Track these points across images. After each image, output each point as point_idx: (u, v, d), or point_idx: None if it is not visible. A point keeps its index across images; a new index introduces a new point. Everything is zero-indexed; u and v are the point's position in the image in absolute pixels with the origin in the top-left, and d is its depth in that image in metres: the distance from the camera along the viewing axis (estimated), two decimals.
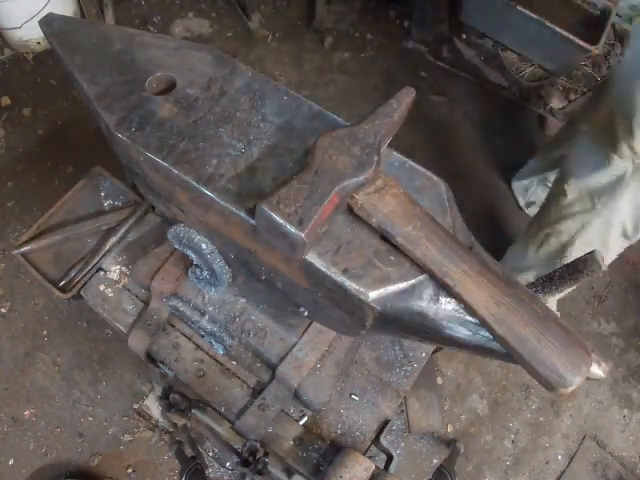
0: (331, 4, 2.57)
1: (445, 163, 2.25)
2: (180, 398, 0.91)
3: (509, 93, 2.45)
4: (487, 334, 0.59)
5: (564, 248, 1.64)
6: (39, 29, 0.76)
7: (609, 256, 1.62)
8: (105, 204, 1.10)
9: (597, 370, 0.58)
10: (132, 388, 1.86)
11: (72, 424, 1.81)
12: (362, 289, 0.59)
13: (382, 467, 0.88)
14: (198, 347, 0.97)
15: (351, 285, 0.59)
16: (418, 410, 1.88)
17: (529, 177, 2.14)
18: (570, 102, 2.44)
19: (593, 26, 2.31)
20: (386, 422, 0.95)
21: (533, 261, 1.75)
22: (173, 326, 0.98)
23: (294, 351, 0.88)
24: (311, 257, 0.61)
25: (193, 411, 0.94)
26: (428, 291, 0.59)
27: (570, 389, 0.55)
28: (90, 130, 2.20)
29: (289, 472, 1.06)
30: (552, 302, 1.86)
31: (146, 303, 1.01)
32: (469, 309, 0.58)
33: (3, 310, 1.94)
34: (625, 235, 1.57)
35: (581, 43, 2.19)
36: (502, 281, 0.58)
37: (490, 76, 2.49)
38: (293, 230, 0.56)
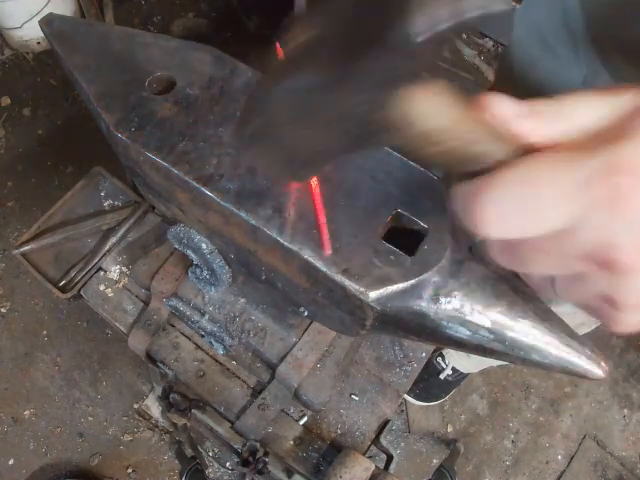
0: None
1: None
2: (180, 398, 0.91)
3: None
4: (487, 334, 0.59)
5: None
6: (39, 29, 0.76)
7: None
8: (105, 204, 1.10)
9: (597, 370, 0.58)
10: (132, 388, 1.86)
11: (72, 424, 1.81)
12: (362, 289, 0.59)
13: (382, 467, 0.88)
14: (198, 347, 0.97)
15: (351, 285, 0.59)
16: (418, 410, 1.88)
17: None
18: None
19: None
20: (386, 422, 0.95)
21: None
22: (173, 326, 0.98)
23: (294, 351, 0.88)
24: (311, 257, 0.61)
25: (193, 411, 0.94)
26: (428, 291, 0.59)
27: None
28: (90, 130, 2.19)
29: (289, 472, 1.06)
30: None
31: (146, 303, 1.00)
32: None
33: (3, 310, 1.94)
34: None
35: None
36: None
37: (490, 76, 2.49)
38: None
